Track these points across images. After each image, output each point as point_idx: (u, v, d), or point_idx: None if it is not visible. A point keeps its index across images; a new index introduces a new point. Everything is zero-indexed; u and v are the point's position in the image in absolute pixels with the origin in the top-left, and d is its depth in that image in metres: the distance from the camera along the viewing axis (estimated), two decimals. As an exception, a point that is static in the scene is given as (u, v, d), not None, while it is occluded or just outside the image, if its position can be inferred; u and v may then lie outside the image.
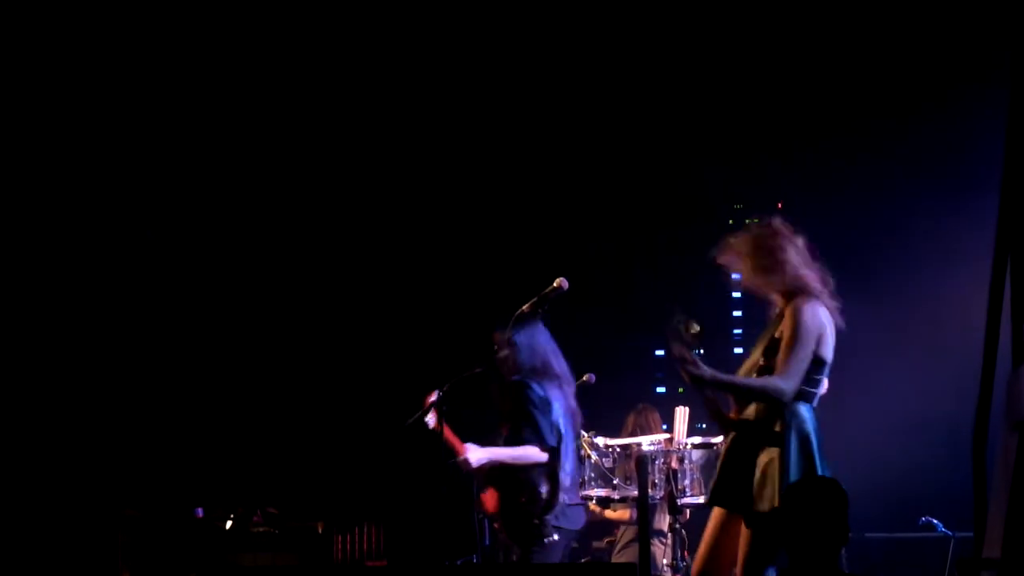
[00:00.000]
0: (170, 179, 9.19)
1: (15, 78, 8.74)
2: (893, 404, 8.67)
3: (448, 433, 6.83)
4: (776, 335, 5.59)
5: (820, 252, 9.18)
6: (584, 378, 7.16)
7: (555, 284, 6.35)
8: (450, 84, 9.20)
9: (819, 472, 5.42)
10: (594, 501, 6.74)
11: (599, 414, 7.54)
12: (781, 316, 5.63)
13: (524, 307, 6.41)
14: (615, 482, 6.44)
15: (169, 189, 9.21)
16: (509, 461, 6.75)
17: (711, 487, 5.68)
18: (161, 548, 7.30)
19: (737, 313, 9.96)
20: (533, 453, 6.77)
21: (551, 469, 6.77)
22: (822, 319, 5.58)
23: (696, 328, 5.72)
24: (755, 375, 5.60)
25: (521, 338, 6.78)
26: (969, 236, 7.36)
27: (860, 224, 9.04)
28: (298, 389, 9.13)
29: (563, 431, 6.83)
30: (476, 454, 6.81)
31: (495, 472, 6.79)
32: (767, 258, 5.65)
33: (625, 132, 9.22)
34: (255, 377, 9.19)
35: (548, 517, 6.70)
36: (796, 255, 5.67)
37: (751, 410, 5.60)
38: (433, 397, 6.66)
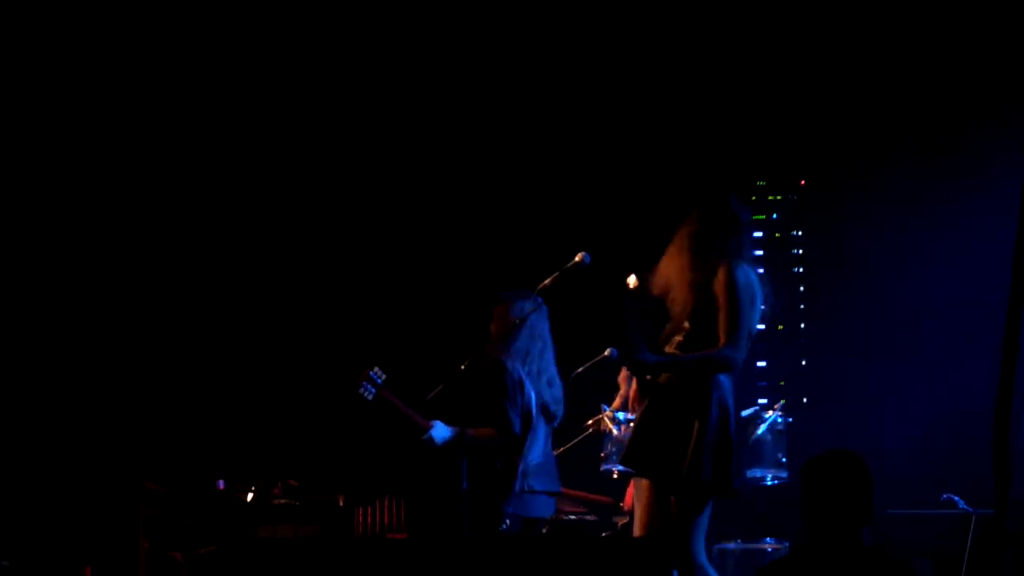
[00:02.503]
0: (170, 172, 9.23)
1: (15, 78, 8.77)
2: (917, 383, 8.65)
3: (403, 407, 6.72)
4: (704, 300, 5.38)
5: (842, 232, 9.13)
6: (606, 352, 7.13)
7: (576, 259, 6.31)
8: (452, 75, 9.20)
9: (733, 444, 5.30)
10: (615, 476, 6.72)
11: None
12: (706, 280, 5.41)
13: (546, 281, 6.37)
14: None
15: (174, 178, 9.24)
16: (472, 440, 6.54)
17: (634, 455, 5.43)
18: (182, 520, 7.34)
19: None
20: (495, 437, 6.62)
21: (511, 456, 6.63)
22: (755, 285, 5.40)
23: (634, 282, 5.65)
24: (680, 339, 5.43)
25: (530, 321, 6.62)
26: (996, 222, 7.30)
27: (884, 205, 8.98)
28: (320, 362, 9.15)
29: (534, 418, 6.71)
30: (442, 432, 6.72)
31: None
32: (707, 238, 5.47)
33: (645, 105, 9.18)
34: (278, 350, 9.21)
35: (504, 505, 6.56)
36: (722, 225, 5.51)
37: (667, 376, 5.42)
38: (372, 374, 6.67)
